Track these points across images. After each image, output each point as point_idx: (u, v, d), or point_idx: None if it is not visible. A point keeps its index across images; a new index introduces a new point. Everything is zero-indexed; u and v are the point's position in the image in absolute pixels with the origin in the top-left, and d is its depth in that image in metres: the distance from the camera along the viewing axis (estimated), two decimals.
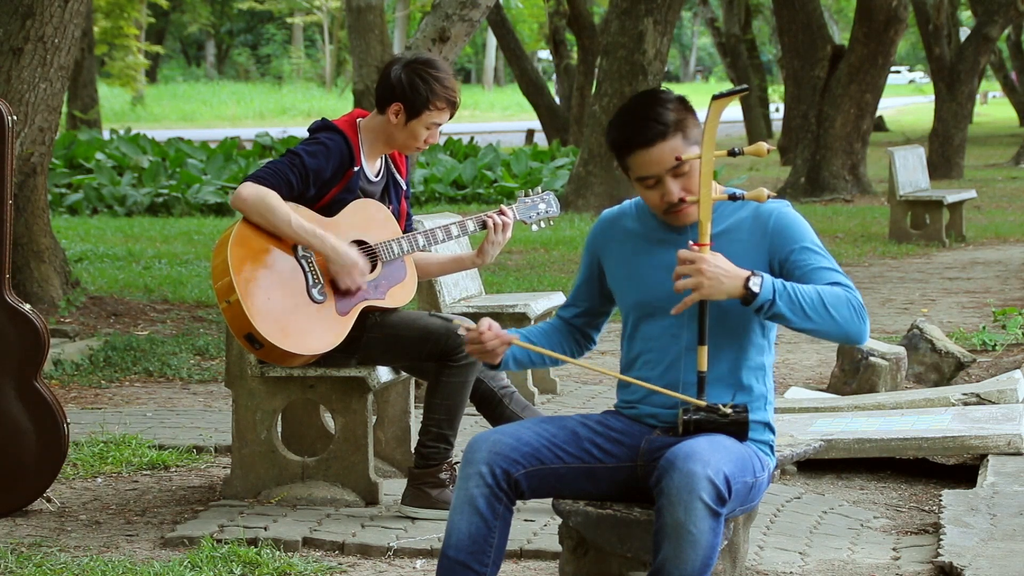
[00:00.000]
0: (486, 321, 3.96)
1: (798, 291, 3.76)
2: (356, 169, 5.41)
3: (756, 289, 3.73)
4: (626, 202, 4.09)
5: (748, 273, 3.74)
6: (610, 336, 9.15)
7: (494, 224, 5.51)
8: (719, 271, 3.73)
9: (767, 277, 3.75)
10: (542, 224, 5.77)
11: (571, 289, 4.21)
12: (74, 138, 22.80)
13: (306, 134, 5.52)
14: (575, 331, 4.19)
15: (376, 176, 5.53)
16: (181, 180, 20.09)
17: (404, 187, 5.65)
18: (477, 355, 3.97)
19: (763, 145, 3.91)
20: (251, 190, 5.26)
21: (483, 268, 12.53)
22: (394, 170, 5.61)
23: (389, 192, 5.58)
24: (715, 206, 3.91)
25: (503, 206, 5.61)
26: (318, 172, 5.34)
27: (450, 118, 5.51)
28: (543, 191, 5.80)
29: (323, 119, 5.52)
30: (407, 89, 5.38)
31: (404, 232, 5.55)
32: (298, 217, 5.28)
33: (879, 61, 20.81)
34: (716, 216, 3.91)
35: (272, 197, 5.25)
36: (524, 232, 15.85)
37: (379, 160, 5.56)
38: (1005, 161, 29.53)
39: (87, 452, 6.45)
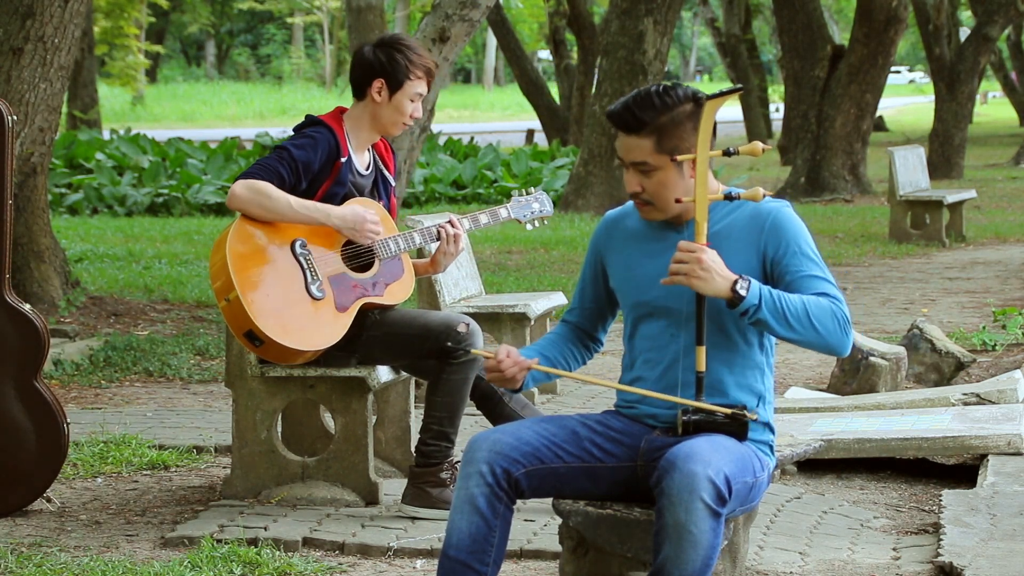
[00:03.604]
0: (504, 348, 3.95)
1: (784, 300, 3.77)
2: (344, 160, 5.43)
3: (743, 293, 3.74)
4: (629, 203, 4.10)
5: (737, 276, 3.76)
6: (610, 336, 9.15)
7: (446, 235, 5.53)
8: (714, 266, 3.75)
9: (755, 283, 3.77)
10: (536, 223, 5.80)
11: (574, 292, 4.22)
12: (74, 138, 22.79)
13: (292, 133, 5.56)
14: (582, 335, 4.19)
15: (366, 169, 5.56)
16: (181, 180, 20.10)
17: (392, 182, 5.67)
18: (497, 382, 3.97)
19: (758, 144, 3.91)
20: (244, 187, 5.29)
21: (483, 268, 12.52)
22: (382, 165, 5.64)
23: (379, 187, 5.61)
24: (713, 205, 3.92)
25: (453, 217, 5.62)
26: (307, 164, 5.36)
27: (428, 90, 5.55)
28: (536, 190, 5.83)
29: (308, 116, 5.58)
30: (386, 64, 5.45)
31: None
32: (297, 198, 5.31)
33: (879, 61, 20.81)
34: (713, 215, 3.91)
35: (267, 186, 5.28)
36: (523, 232, 15.86)
37: (367, 153, 5.59)
38: (1005, 161, 29.52)
39: (87, 452, 6.45)
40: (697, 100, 3.86)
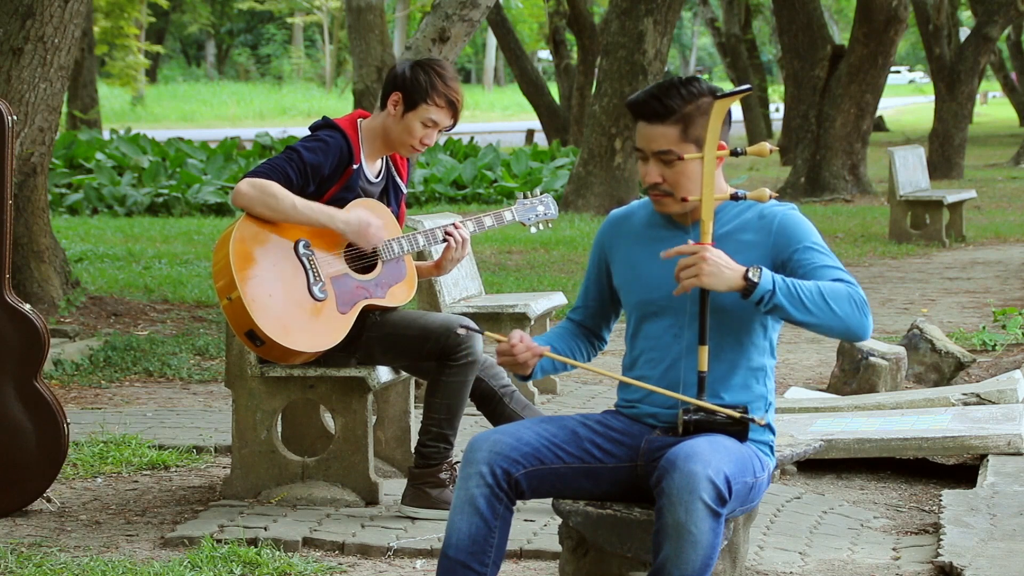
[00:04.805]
0: (517, 333, 3.95)
1: (798, 285, 3.76)
2: (355, 167, 5.41)
3: (755, 279, 3.73)
4: (634, 202, 4.12)
5: (747, 267, 3.75)
6: (610, 336, 9.15)
7: (455, 241, 5.51)
8: (720, 262, 3.74)
9: (766, 271, 3.76)
10: (540, 226, 5.79)
11: (579, 291, 4.22)
12: (74, 138, 22.79)
13: (307, 133, 5.53)
14: (587, 333, 4.19)
15: (376, 177, 5.54)
16: (181, 180, 20.10)
17: (403, 190, 5.66)
18: (508, 367, 3.96)
19: (766, 145, 3.91)
20: (250, 185, 5.28)
21: (483, 268, 12.52)
22: (394, 172, 5.61)
23: (388, 194, 5.59)
24: (721, 207, 3.92)
25: (457, 221, 5.61)
26: (316, 167, 5.35)
27: (451, 124, 5.48)
28: (542, 193, 5.82)
29: (324, 117, 5.53)
30: (408, 79, 5.42)
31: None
32: (302, 200, 5.29)
33: (879, 61, 20.81)
34: (722, 217, 3.91)
35: (273, 186, 5.27)
36: (523, 232, 15.85)
37: (379, 161, 5.56)
38: (1005, 161, 29.53)
39: (87, 452, 6.45)
40: (714, 94, 3.87)
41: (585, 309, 4.19)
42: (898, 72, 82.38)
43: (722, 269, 3.74)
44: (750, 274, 3.74)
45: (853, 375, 7.72)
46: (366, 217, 5.34)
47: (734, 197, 3.88)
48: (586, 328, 4.19)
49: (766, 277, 3.75)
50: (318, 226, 5.31)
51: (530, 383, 7.66)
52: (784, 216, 3.91)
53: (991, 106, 62.11)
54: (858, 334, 3.80)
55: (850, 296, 3.78)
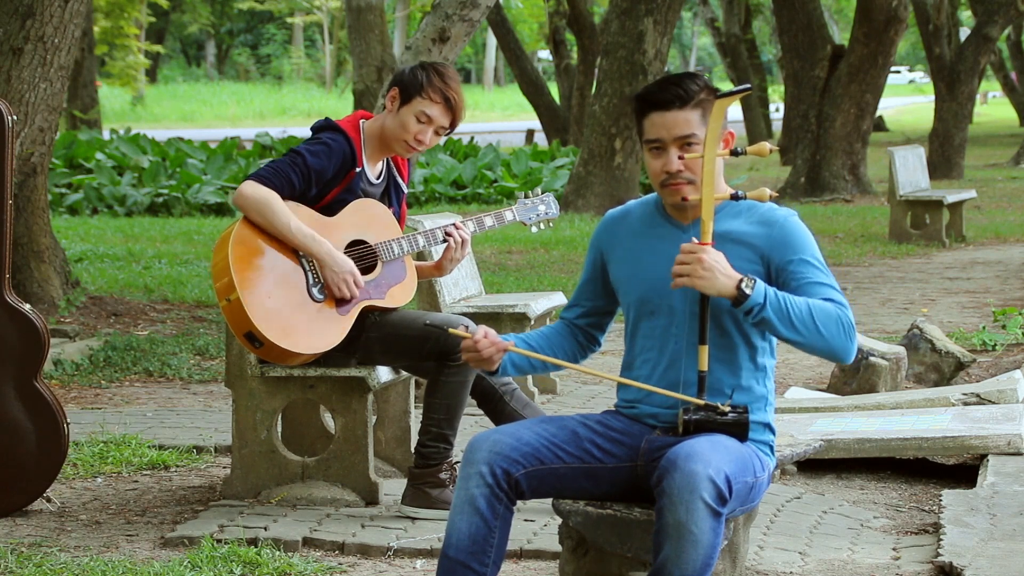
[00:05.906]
0: (482, 328, 3.96)
1: (789, 301, 3.77)
2: (358, 170, 5.41)
3: (748, 291, 3.74)
4: (630, 202, 4.11)
5: (742, 276, 3.76)
6: (610, 336, 9.15)
7: (455, 241, 5.51)
8: (716, 266, 3.75)
9: (760, 283, 3.77)
10: (541, 226, 5.79)
11: (575, 290, 4.22)
12: (74, 138, 22.79)
13: (308, 133, 5.52)
14: (579, 333, 4.18)
15: (377, 178, 5.54)
16: (181, 180, 20.10)
17: (404, 190, 5.66)
18: (473, 362, 3.97)
19: (765, 145, 3.91)
20: (253, 190, 5.27)
21: (483, 268, 12.53)
22: (395, 173, 5.61)
23: (390, 194, 5.58)
24: (719, 206, 3.92)
25: (457, 221, 5.61)
26: (320, 172, 5.34)
27: (448, 125, 5.46)
28: (542, 192, 5.81)
29: (326, 119, 5.53)
30: (407, 75, 5.45)
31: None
32: (298, 221, 5.28)
33: (879, 61, 20.82)
34: (721, 216, 3.91)
35: (273, 199, 5.26)
36: (523, 232, 15.85)
37: (381, 163, 5.56)
38: (1005, 161, 29.53)
39: (87, 452, 6.45)
40: (714, 87, 3.90)
41: (579, 308, 4.18)
42: (898, 72, 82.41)
43: (717, 274, 3.75)
44: (743, 284, 3.75)
45: (853, 375, 7.72)
46: (351, 266, 5.31)
47: (734, 197, 3.89)
48: (578, 328, 4.18)
49: (758, 290, 3.75)
50: (306, 252, 5.29)
51: (530, 383, 7.66)
52: (785, 222, 3.90)
53: (991, 106, 62.12)
54: (841, 357, 3.81)
55: (839, 319, 3.78)
